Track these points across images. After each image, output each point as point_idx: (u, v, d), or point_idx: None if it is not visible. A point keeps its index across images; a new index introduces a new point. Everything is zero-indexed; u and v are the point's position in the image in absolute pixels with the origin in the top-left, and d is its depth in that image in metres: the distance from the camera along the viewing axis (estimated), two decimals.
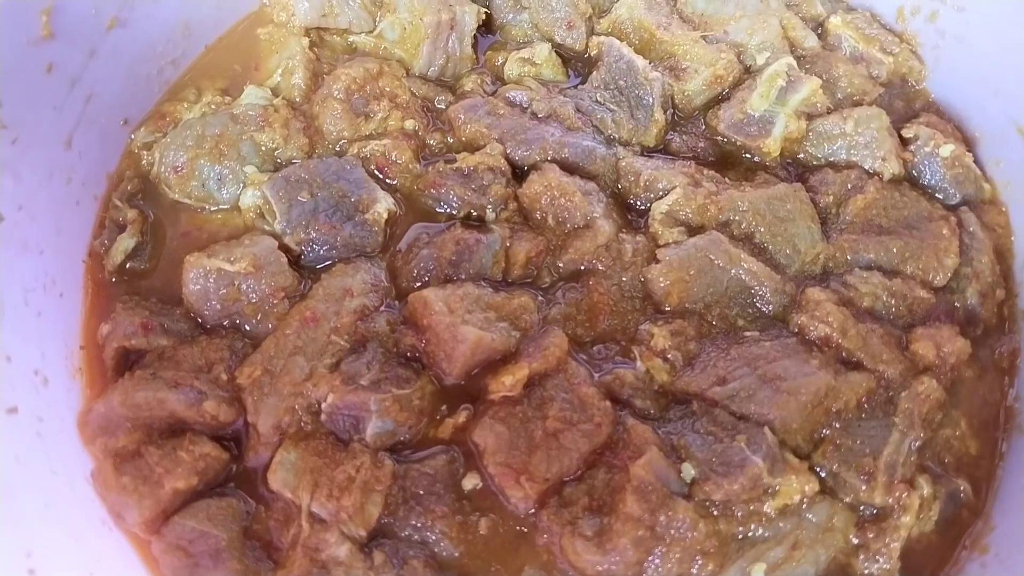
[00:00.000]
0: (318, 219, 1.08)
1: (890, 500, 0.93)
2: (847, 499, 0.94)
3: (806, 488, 0.91)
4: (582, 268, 1.09)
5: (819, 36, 1.33)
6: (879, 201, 1.13)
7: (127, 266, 1.10)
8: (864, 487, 0.93)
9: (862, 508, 0.94)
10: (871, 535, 0.93)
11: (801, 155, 1.22)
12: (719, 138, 1.23)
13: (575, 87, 1.27)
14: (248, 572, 0.89)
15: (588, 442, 0.94)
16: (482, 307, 1.01)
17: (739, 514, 0.91)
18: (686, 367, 1.01)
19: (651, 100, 1.20)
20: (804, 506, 0.92)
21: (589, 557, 0.88)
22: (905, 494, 0.93)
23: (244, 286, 1.03)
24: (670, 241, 1.09)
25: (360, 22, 1.28)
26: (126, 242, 1.09)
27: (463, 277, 1.06)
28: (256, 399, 0.96)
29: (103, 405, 0.95)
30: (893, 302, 1.07)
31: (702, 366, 1.01)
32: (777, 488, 0.91)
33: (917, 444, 0.97)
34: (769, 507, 0.91)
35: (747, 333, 1.05)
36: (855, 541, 0.93)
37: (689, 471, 0.91)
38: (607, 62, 1.25)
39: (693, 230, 1.11)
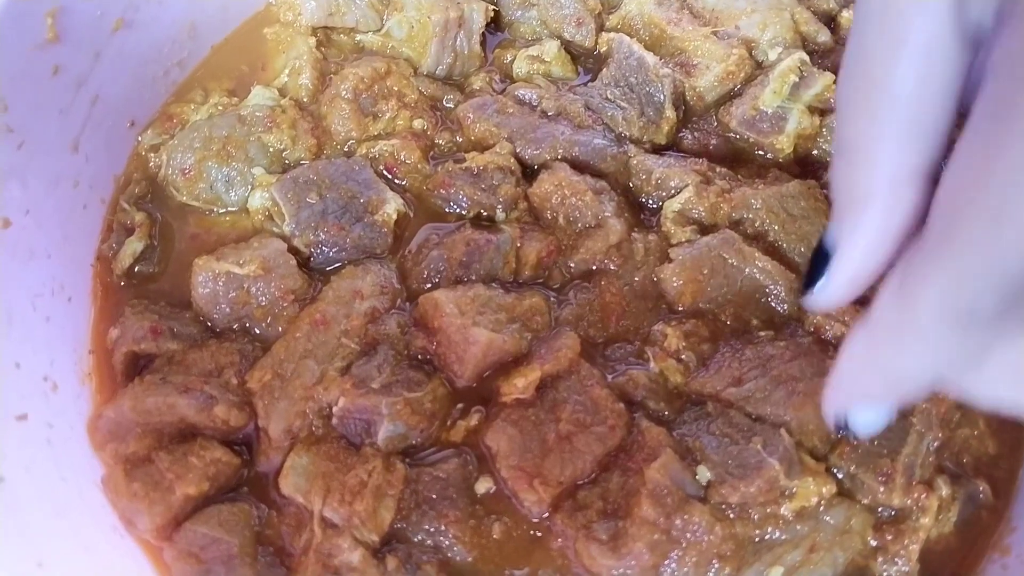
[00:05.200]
0: (327, 221, 1.07)
1: (908, 501, 0.92)
2: (865, 500, 0.93)
3: (823, 490, 0.90)
4: (593, 268, 1.08)
5: (832, 31, 1.31)
6: None
7: (135, 270, 1.09)
8: (882, 488, 0.92)
9: (880, 509, 0.93)
10: (889, 537, 0.91)
11: (815, 151, 1.21)
12: (731, 135, 1.22)
13: (585, 84, 1.26)
14: None
15: (602, 445, 0.93)
16: (493, 308, 1.00)
17: (755, 517, 0.90)
18: (700, 368, 1.00)
19: (662, 97, 1.19)
20: (821, 508, 0.91)
21: (604, 561, 0.87)
22: (924, 495, 0.92)
23: (253, 289, 1.02)
24: (682, 240, 1.08)
25: (367, 21, 1.27)
26: (134, 245, 1.08)
27: (473, 278, 1.05)
28: (267, 403, 0.96)
29: (113, 411, 0.94)
30: None
31: (716, 367, 0.99)
32: (794, 490, 0.90)
33: (935, 444, 0.96)
34: (786, 509, 0.90)
35: (761, 333, 1.03)
36: (873, 543, 0.92)
37: (704, 474, 0.90)
38: (617, 59, 1.23)
39: (705, 228, 1.09)
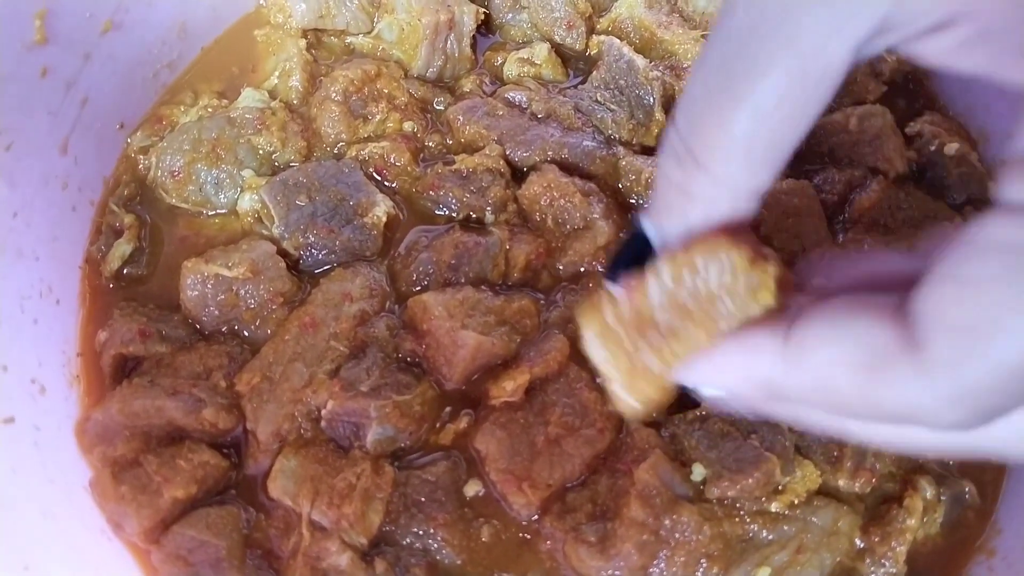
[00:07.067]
0: (316, 223, 1.07)
1: (856, 486, 0.93)
2: None
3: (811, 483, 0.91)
4: (582, 270, 1.08)
5: None
6: (884, 200, 1.12)
7: (124, 272, 1.09)
8: (828, 468, 0.94)
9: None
10: (876, 538, 0.92)
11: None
12: None
13: (575, 87, 1.26)
14: None
15: (591, 448, 0.93)
16: (482, 311, 1.00)
17: (745, 514, 0.90)
18: None
19: (652, 100, 1.19)
20: (809, 509, 0.91)
21: (593, 563, 0.87)
22: (872, 480, 0.94)
23: (242, 291, 1.02)
24: None
25: (358, 23, 1.27)
26: (123, 247, 1.08)
27: (463, 281, 1.04)
28: (255, 406, 0.95)
29: (101, 413, 0.94)
30: None
31: None
32: (785, 486, 0.91)
33: None
34: (776, 505, 0.90)
35: None
36: (860, 545, 0.92)
37: (700, 471, 0.91)
38: (607, 61, 1.23)
39: None
